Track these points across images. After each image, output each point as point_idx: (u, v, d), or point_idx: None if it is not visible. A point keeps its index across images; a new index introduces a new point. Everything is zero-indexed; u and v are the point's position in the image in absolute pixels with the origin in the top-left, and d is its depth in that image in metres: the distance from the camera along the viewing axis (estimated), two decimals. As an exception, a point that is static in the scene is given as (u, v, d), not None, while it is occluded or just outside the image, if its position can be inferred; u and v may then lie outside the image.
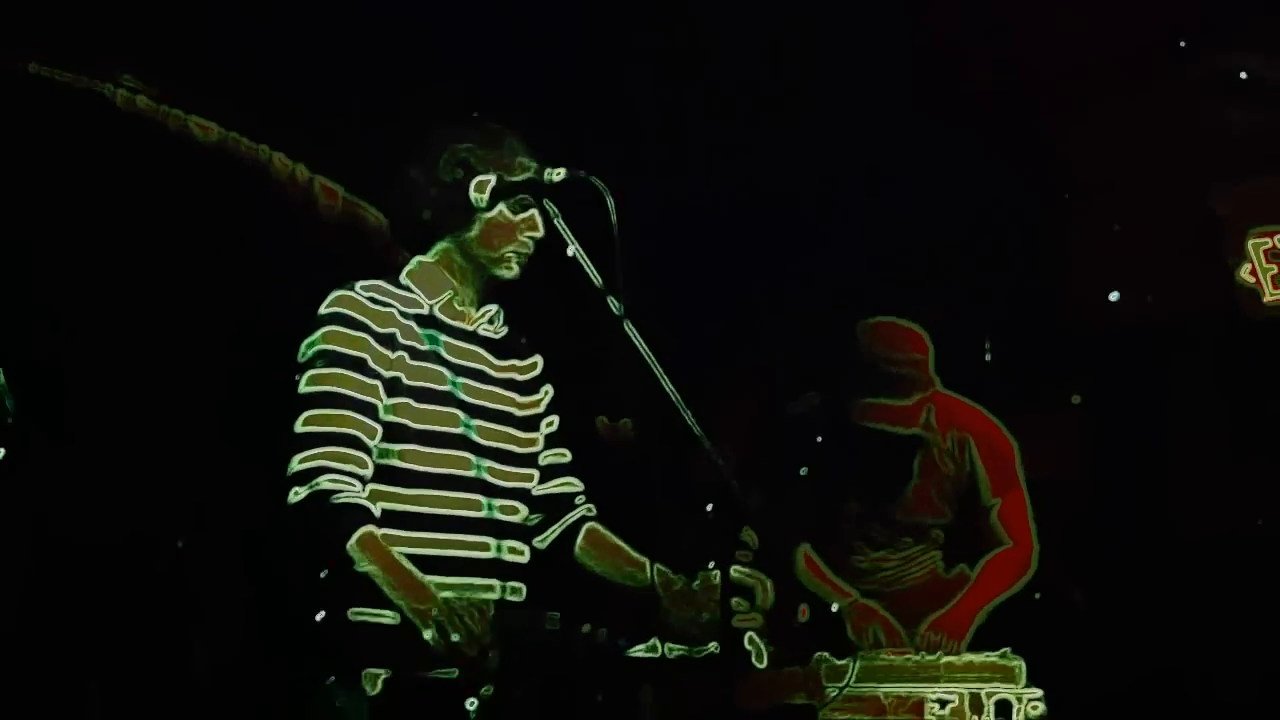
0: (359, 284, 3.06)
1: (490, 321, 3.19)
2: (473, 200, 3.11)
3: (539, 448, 3.24)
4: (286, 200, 4.36)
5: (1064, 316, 5.63)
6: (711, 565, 3.04)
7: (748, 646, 3.05)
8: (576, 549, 3.25)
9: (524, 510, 3.17)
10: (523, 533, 3.17)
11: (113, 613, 4.06)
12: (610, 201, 3.01)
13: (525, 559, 3.15)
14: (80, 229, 4.06)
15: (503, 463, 3.12)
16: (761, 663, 3.11)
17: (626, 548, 3.23)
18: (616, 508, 3.34)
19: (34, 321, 3.87)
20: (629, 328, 2.95)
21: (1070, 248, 5.66)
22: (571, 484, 3.30)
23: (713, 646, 3.01)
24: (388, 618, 2.87)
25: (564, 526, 3.26)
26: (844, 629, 4.34)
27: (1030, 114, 5.23)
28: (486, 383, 3.15)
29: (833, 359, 4.64)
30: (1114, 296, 5.55)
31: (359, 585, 2.86)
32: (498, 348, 3.20)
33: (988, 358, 5.69)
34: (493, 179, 3.12)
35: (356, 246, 4.37)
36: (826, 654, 3.80)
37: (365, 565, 2.85)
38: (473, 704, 2.75)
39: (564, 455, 3.30)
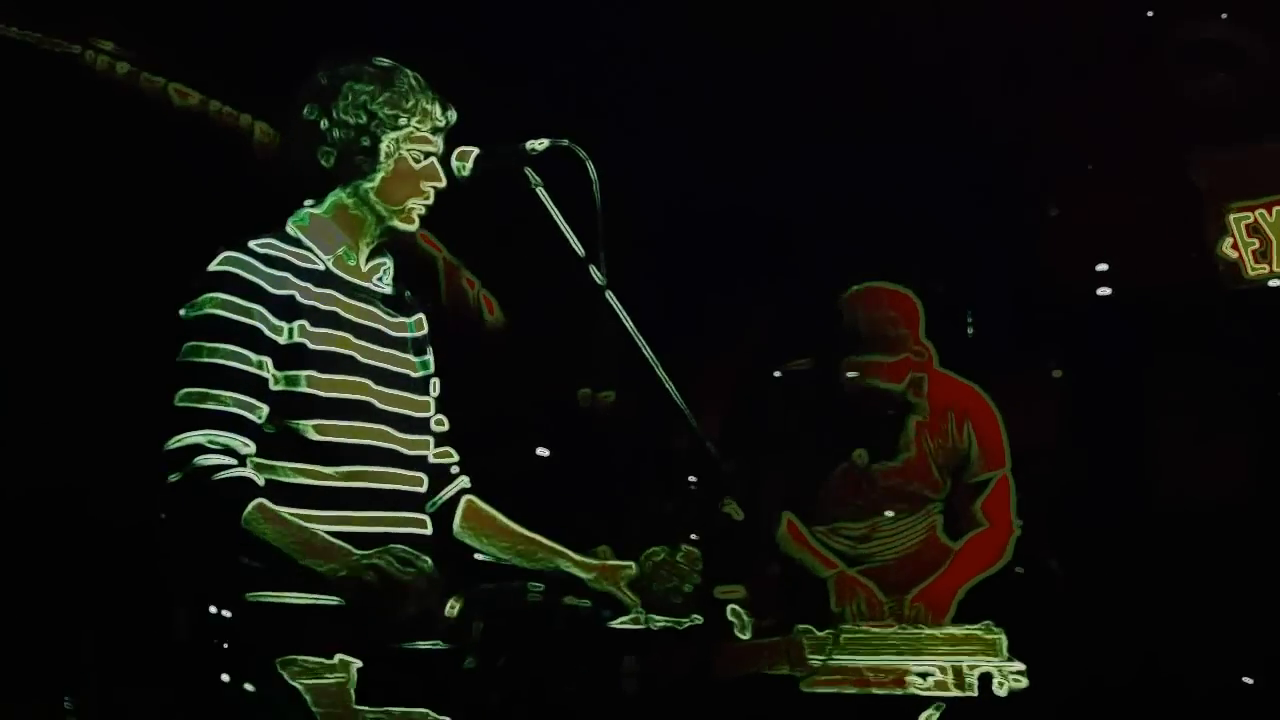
0: (252, 241, 2.83)
1: (381, 277, 2.99)
2: (454, 169, 2.98)
3: (430, 412, 3.04)
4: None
5: (1046, 290, 5.64)
6: (693, 536, 3.03)
7: (730, 618, 3.04)
8: (456, 525, 3.07)
9: (426, 480, 2.99)
10: (422, 503, 2.99)
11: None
12: (592, 170, 2.95)
13: (429, 530, 2.97)
14: (53, 198, 4.00)
15: (403, 430, 2.93)
16: (745, 634, 3.10)
17: (513, 525, 3.06)
18: (599, 478, 3.32)
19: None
20: (611, 297, 2.91)
21: (1053, 222, 5.66)
22: (449, 454, 3.11)
23: (696, 618, 2.99)
24: (306, 599, 2.71)
25: (445, 498, 3.09)
26: (826, 599, 4.35)
27: (1016, 85, 5.21)
28: (384, 344, 2.96)
29: (818, 326, 4.61)
30: (1099, 269, 5.56)
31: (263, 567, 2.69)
32: (391, 304, 3.00)
33: (970, 331, 5.70)
34: (475, 150, 3.01)
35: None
36: (809, 625, 3.79)
37: (266, 535, 2.66)
38: (470, 663, 2.68)
39: (443, 423, 3.09)
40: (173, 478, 2.70)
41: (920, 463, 4.51)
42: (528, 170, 2.99)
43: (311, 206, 2.94)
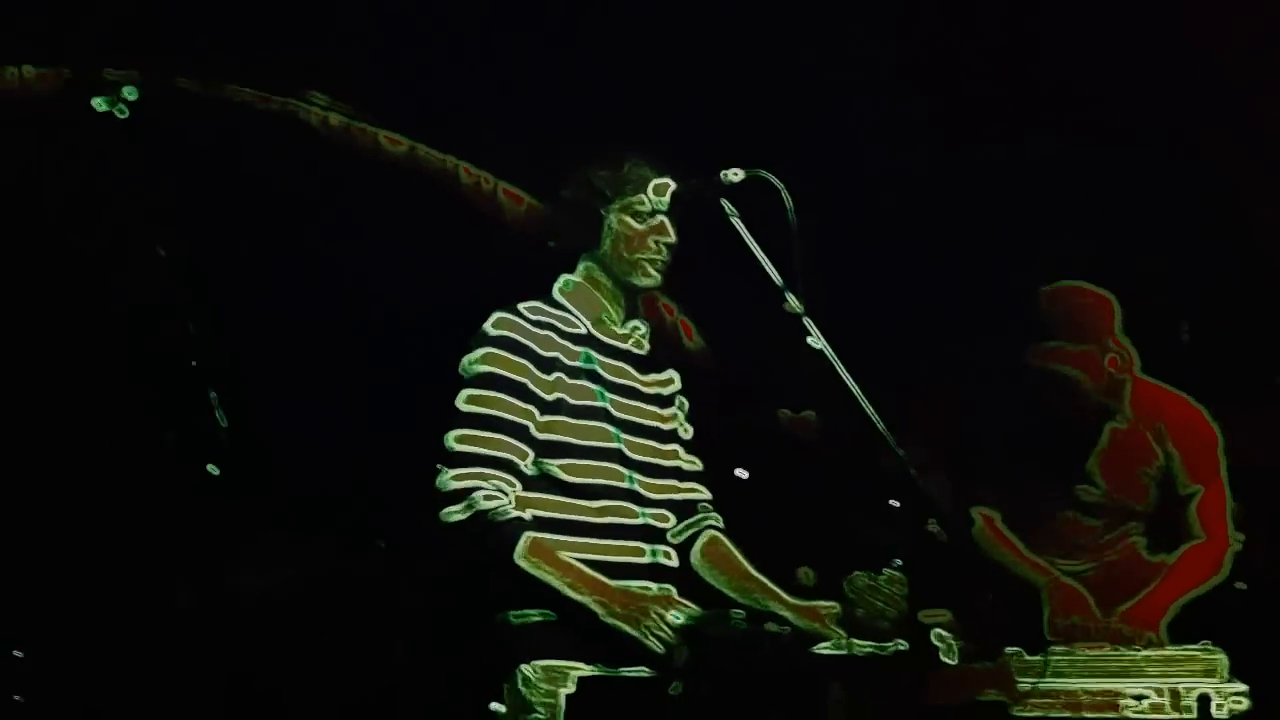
0: (522, 305, 3.21)
1: (636, 338, 3.34)
2: (652, 202, 3.27)
3: (678, 459, 3.38)
4: (473, 208, 4.48)
5: (1268, 295, 5.43)
6: (897, 560, 3.04)
7: (936, 642, 3.03)
8: (694, 557, 3.37)
9: (674, 519, 3.32)
10: (667, 537, 3.31)
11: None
12: (787, 198, 3.07)
13: (676, 563, 3.29)
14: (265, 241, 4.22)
15: (650, 475, 3.27)
16: (951, 659, 3.09)
17: (744, 563, 3.33)
18: (801, 501, 3.37)
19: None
20: (808, 323, 3.01)
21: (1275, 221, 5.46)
22: (699, 490, 3.42)
23: (900, 643, 3.00)
24: (538, 617, 3.06)
25: (690, 531, 3.38)
26: (1035, 621, 4.28)
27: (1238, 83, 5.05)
28: (635, 398, 3.31)
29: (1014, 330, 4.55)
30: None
31: (521, 590, 3.04)
32: (643, 363, 3.35)
33: (1185, 338, 5.53)
34: (672, 184, 3.27)
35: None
36: (1018, 648, 3.74)
37: (539, 571, 3.02)
38: (676, 689, 2.84)
39: (696, 463, 3.43)
40: (454, 514, 3.07)
41: (1117, 470, 4.41)
42: (723, 201, 3.13)
43: (572, 275, 3.34)
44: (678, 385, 3.45)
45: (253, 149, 4.23)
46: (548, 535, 3.08)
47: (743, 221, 3.15)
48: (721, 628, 2.91)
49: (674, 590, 3.16)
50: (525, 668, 2.94)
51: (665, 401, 3.40)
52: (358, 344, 4.39)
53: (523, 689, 2.94)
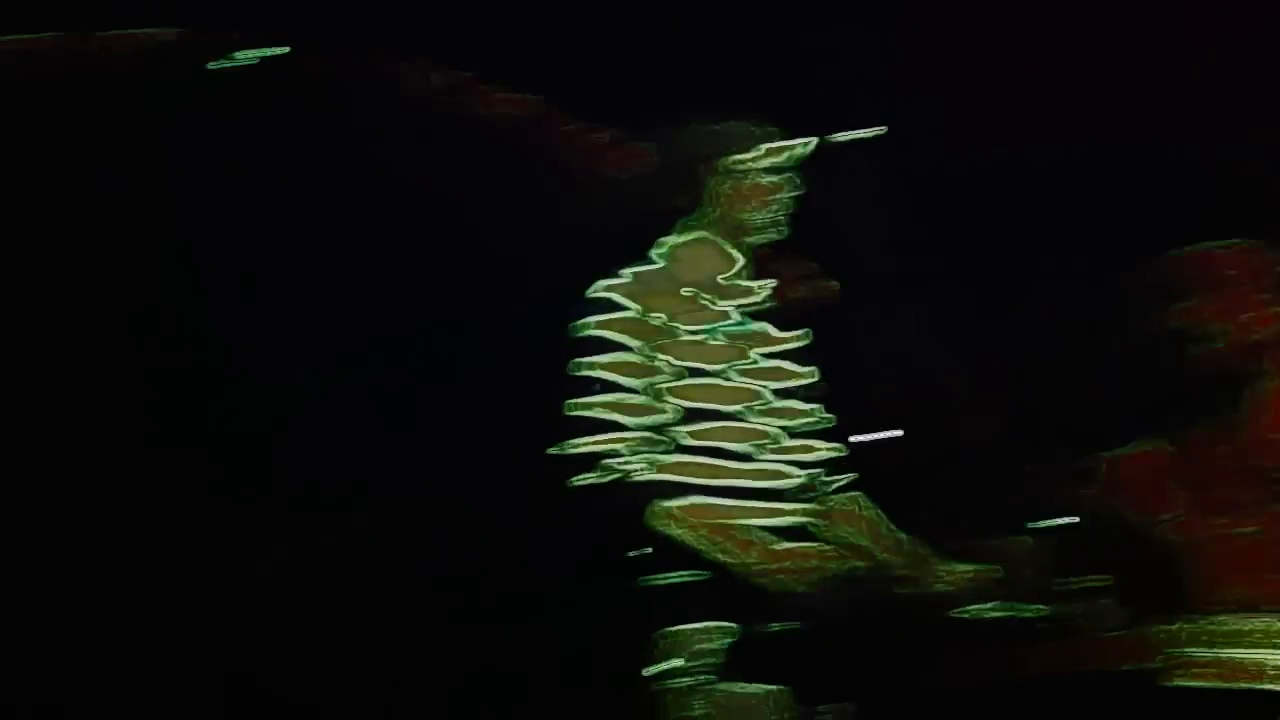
0: (632, 268, 3.19)
1: (754, 295, 3.27)
2: (769, 164, 3.28)
3: (810, 417, 3.30)
4: (586, 170, 4.43)
5: None
6: (1049, 524, 3.00)
7: (1086, 609, 2.98)
8: (833, 517, 3.30)
9: (810, 478, 3.27)
10: (805, 497, 3.28)
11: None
12: (871, 165, 3.07)
13: (815, 523, 3.24)
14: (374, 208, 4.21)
15: (783, 434, 3.23)
16: (1098, 625, 3.03)
17: (885, 520, 3.27)
18: (950, 464, 3.32)
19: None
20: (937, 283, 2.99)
21: None
22: (833, 449, 3.35)
23: (1051, 608, 2.95)
24: (696, 576, 3.04)
25: (827, 490, 3.32)
26: (1182, 587, 4.15)
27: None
28: (760, 357, 3.27)
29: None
30: None
31: (661, 554, 3.03)
32: (768, 320, 3.31)
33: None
34: (789, 143, 3.27)
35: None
36: (1169, 615, 3.64)
37: (680, 533, 3.01)
38: (823, 646, 2.86)
39: (829, 421, 3.35)
40: (588, 479, 3.07)
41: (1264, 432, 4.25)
42: (836, 161, 3.12)
43: (674, 235, 3.29)
44: (805, 341, 3.38)
45: (365, 111, 4.21)
46: (683, 499, 3.07)
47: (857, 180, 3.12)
48: (868, 588, 2.89)
49: (820, 548, 3.13)
50: (670, 630, 2.94)
51: (791, 358, 3.34)
52: (472, 308, 4.34)
53: (670, 652, 2.94)
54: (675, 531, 3.01)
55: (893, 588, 3.02)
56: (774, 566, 2.99)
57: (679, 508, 3.03)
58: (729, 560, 3.00)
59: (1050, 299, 4.85)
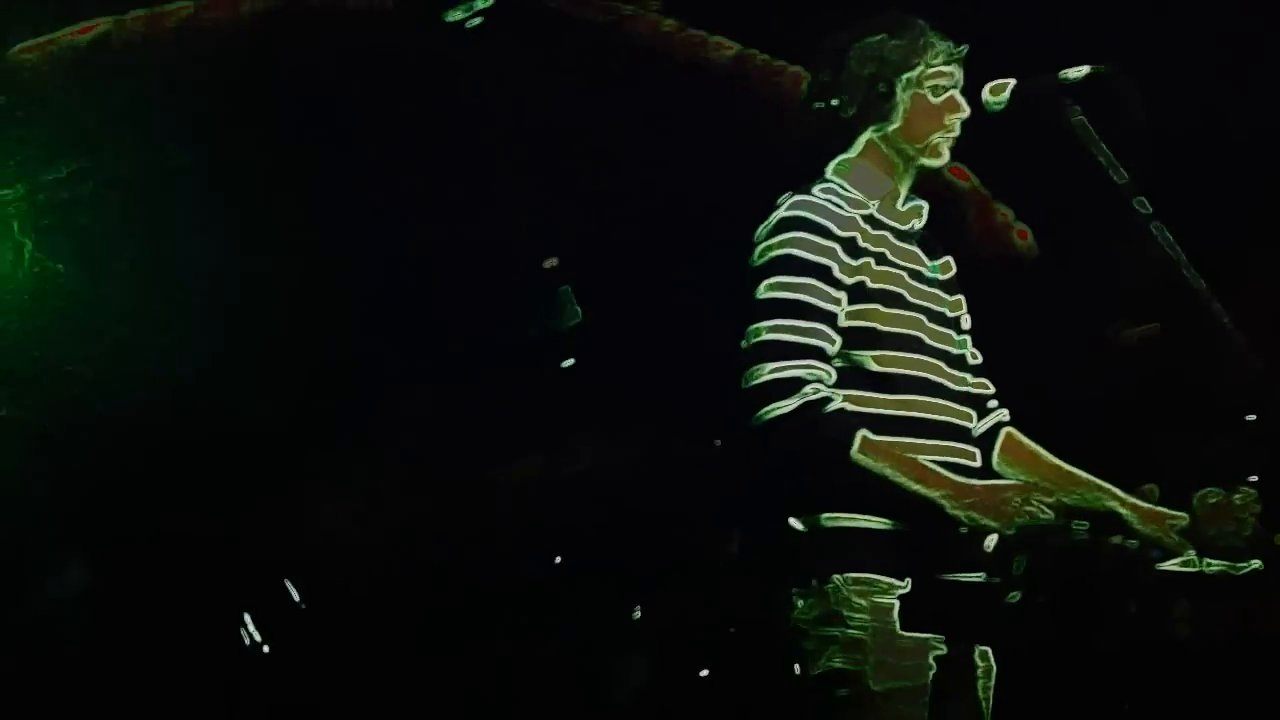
0: (815, 187, 3.00)
1: (918, 218, 3.09)
2: (986, 104, 3.05)
3: (967, 348, 3.14)
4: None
5: None
6: (1251, 478, 2.88)
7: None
8: (994, 457, 3.12)
9: (974, 414, 3.09)
10: (988, 436, 3.12)
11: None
12: (1136, 96, 2.89)
13: (979, 463, 3.05)
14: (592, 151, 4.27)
15: (949, 365, 3.04)
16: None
17: (1052, 458, 3.08)
18: (1147, 416, 3.22)
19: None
20: (1157, 229, 2.85)
21: None
22: (985, 386, 3.18)
23: (1256, 563, 2.85)
24: (876, 523, 2.87)
25: (983, 429, 3.13)
26: None
27: None
28: (924, 283, 3.07)
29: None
30: None
31: (850, 489, 2.85)
32: (926, 246, 3.12)
33: None
34: (1010, 82, 3.05)
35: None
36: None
37: (879, 468, 2.83)
38: (1014, 597, 2.72)
39: (977, 357, 3.18)
40: (779, 409, 2.85)
41: None
42: (1066, 100, 2.97)
43: (848, 153, 3.08)
44: (954, 271, 3.18)
45: (591, 57, 4.27)
46: (879, 433, 2.86)
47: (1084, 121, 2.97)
48: (1062, 538, 2.81)
49: (1011, 494, 2.85)
50: (838, 578, 2.82)
51: (951, 288, 3.15)
52: (679, 239, 4.38)
53: (832, 598, 2.82)
54: (873, 465, 2.81)
55: (1096, 538, 2.89)
56: (989, 501, 2.75)
57: (877, 441, 2.83)
58: (934, 495, 2.78)
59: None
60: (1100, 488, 3.01)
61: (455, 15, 4.19)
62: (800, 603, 2.86)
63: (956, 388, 3.05)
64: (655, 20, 4.31)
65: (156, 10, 4.17)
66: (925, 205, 3.11)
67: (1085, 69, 2.98)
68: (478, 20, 4.18)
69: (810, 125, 3.11)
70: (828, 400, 2.86)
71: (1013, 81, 3.05)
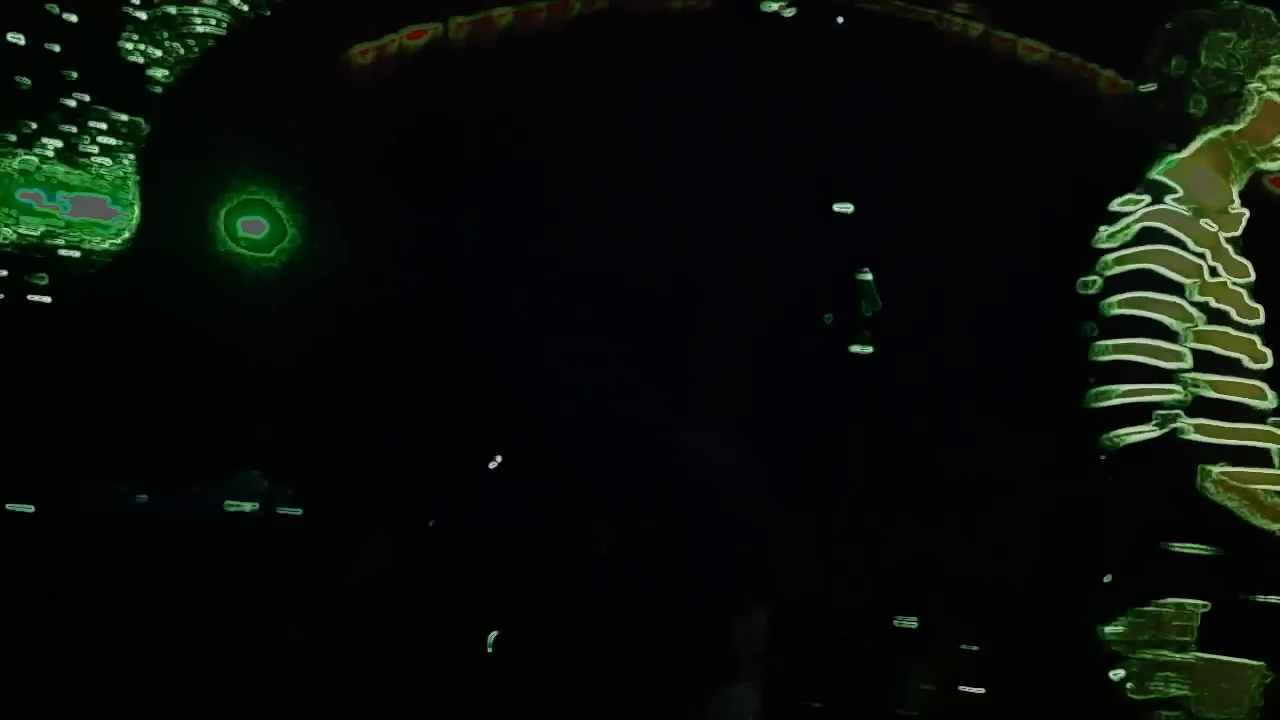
0: (1169, 196, 2.86)
1: (1241, 223, 2.96)
2: None
3: (1268, 362, 2.99)
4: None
5: None
6: None
7: None
8: None
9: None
10: None
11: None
12: None
13: None
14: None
15: (1266, 381, 2.96)
16: None
17: None
18: None
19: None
20: None
21: None
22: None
23: None
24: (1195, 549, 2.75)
25: None
26: None
27: None
28: (1251, 295, 2.99)
29: None
30: None
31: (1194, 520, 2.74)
32: (1244, 252, 3.01)
33: None
34: None
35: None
36: None
37: (1223, 500, 2.73)
38: None
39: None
40: (1136, 434, 2.76)
41: None
42: None
43: (1177, 151, 2.97)
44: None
45: (892, 57, 4.28)
46: (1224, 464, 2.78)
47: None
48: None
49: None
50: (1170, 601, 2.74)
51: (1254, 296, 3.03)
52: (972, 239, 4.36)
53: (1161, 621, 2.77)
54: (1221, 499, 2.71)
55: None
56: None
57: (1224, 473, 2.72)
58: (1266, 530, 2.69)
59: None
60: None
61: (770, 6, 4.20)
62: (1123, 626, 2.80)
63: (1269, 405, 2.94)
64: (963, 24, 4.31)
65: (480, 16, 4.32)
66: (1247, 213, 3.01)
67: None
68: (792, 11, 4.17)
69: (1135, 118, 3.03)
70: (1182, 430, 2.75)
71: None
